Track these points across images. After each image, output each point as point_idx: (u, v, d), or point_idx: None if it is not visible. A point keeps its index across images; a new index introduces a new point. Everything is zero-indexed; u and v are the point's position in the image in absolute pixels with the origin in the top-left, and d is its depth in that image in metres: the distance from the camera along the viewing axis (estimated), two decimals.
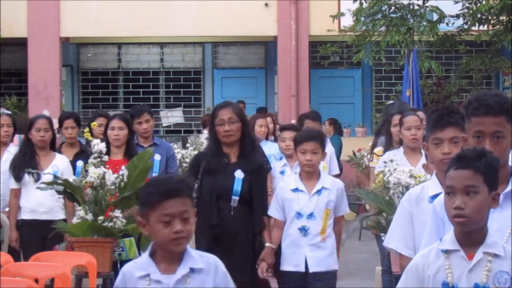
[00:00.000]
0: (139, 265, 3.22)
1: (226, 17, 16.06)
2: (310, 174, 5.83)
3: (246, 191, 5.68)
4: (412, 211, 3.98)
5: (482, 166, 3.08)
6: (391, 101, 9.55)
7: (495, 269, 3.07)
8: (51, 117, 7.89)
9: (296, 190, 5.81)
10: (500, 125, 3.35)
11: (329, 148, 9.95)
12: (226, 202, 5.67)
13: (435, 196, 3.87)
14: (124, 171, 6.02)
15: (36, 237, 7.15)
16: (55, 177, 6.56)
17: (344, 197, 5.92)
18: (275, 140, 9.21)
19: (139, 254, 6.06)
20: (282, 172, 7.41)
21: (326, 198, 5.79)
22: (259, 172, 5.80)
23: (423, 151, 6.46)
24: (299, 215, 5.78)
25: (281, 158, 7.56)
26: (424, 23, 13.89)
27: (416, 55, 12.08)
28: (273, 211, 5.86)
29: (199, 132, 13.37)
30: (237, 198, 5.65)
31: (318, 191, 5.80)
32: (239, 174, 5.66)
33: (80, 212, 5.99)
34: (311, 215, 5.77)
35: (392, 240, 4.05)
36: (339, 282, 6.76)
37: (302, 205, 5.78)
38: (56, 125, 8.08)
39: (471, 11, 13.92)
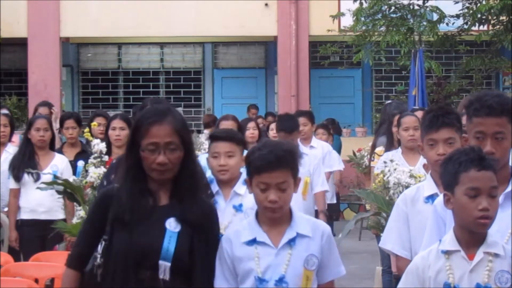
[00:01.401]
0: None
1: (226, 17, 16.06)
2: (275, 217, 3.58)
3: (183, 254, 3.43)
4: (408, 211, 3.99)
5: (494, 167, 3.09)
6: (389, 101, 9.53)
7: (496, 268, 3.07)
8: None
9: (253, 242, 3.56)
10: (501, 125, 3.35)
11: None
12: (149, 271, 3.43)
13: (430, 196, 3.88)
14: None
15: (36, 237, 7.16)
16: (55, 177, 6.56)
17: (333, 249, 3.65)
18: None
19: None
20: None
21: (304, 251, 3.55)
22: (207, 226, 3.53)
23: None
24: (261, 282, 3.50)
25: (211, 182, 4.84)
26: (424, 23, 13.88)
27: (422, 55, 12.08)
28: (220, 280, 3.56)
29: (199, 132, 13.36)
30: (168, 264, 3.41)
31: (291, 241, 3.54)
32: (172, 225, 3.45)
33: (80, 212, 5.98)
34: (281, 281, 3.51)
35: (388, 241, 4.06)
36: (339, 282, 6.74)
37: (265, 266, 3.52)
38: (56, 125, 8.09)
39: (471, 11, 13.91)
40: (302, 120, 8.55)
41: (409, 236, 3.96)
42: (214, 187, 4.78)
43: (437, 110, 3.99)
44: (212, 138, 4.91)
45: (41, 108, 8.83)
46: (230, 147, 4.76)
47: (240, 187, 4.69)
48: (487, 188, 3.05)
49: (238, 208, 4.71)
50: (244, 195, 4.56)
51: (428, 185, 3.97)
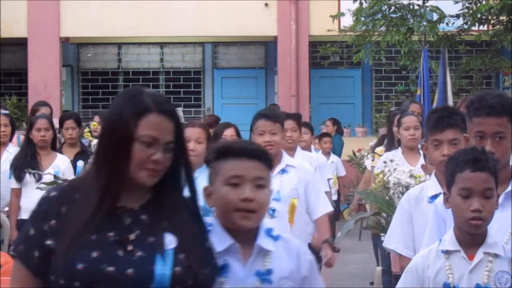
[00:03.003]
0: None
1: (226, 17, 16.07)
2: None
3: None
4: (412, 211, 3.99)
5: (493, 168, 3.08)
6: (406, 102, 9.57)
7: (496, 269, 3.07)
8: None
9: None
10: (502, 125, 3.35)
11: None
12: None
13: (435, 196, 3.88)
14: None
15: None
16: (55, 177, 6.55)
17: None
18: None
19: None
20: None
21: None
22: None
23: (421, 151, 6.46)
24: None
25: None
26: (424, 23, 13.90)
27: (426, 54, 12.10)
28: None
29: None
30: None
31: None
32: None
33: None
34: None
35: (392, 240, 4.06)
36: (340, 283, 6.74)
37: None
38: (56, 125, 8.09)
39: (471, 11, 13.92)
40: (290, 124, 6.57)
41: (413, 236, 3.96)
42: (223, 239, 2.73)
43: (442, 111, 3.99)
44: (227, 153, 2.77)
45: (40, 108, 8.84)
46: (262, 170, 2.76)
47: (266, 240, 2.79)
48: (479, 189, 3.04)
49: (265, 278, 2.74)
50: (274, 253, 2.78)
51: (432, 185, 3.97)
